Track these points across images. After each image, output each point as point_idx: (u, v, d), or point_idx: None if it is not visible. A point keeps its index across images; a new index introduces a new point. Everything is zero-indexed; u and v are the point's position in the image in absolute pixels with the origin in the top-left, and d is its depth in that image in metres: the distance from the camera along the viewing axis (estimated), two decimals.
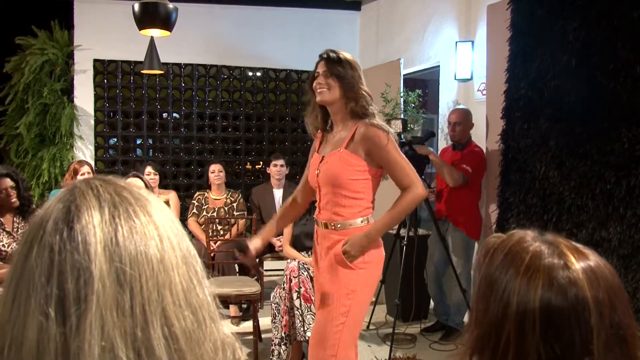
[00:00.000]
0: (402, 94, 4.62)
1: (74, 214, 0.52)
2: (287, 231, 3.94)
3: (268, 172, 4.86)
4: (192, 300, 0.54)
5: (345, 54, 2.23)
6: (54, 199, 0.56)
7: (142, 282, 0.50)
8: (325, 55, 2.22)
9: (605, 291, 0.77)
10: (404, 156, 2.21)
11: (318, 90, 2.21)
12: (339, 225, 2.19)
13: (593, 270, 0.78)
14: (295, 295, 3.27)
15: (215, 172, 4.64)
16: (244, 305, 4.48)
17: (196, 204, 4.67)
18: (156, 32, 3.71)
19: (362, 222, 2.18)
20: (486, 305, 0.82)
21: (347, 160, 2.17)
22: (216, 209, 4.61)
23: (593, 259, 0.80)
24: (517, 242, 0.83)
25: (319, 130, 2.36)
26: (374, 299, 4.11)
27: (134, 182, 3.27)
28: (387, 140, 2.15)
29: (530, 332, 0.76)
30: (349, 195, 2.17)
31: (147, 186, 3.34)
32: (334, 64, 2.19)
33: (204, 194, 4.70)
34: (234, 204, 4.66)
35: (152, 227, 0.54)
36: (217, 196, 4.67)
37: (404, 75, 4.85)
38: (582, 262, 0.79)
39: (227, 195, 4.69)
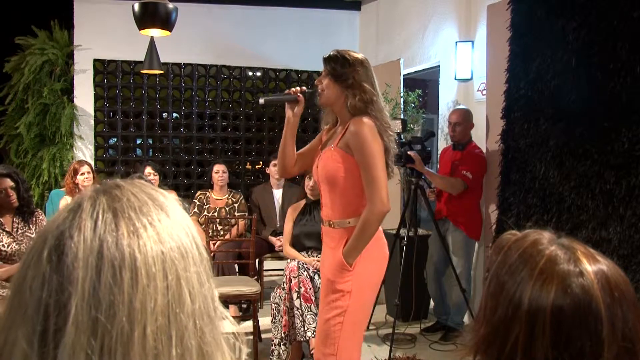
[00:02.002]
0: (402, 94, 4.62)
1: (66, 241, 0.52)
2: (287, 231, 3.94)
3: (267, 172, 4.86)
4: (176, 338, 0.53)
5: (349, 52, 2.18)
6: (62, 210, 0.57)
7: (117, 329, 0.50)
8: (324, 56, 2.21)
9: (618, 303, 0.75)
10: (381, 167, 2.10)
11: (318, 93, 2.21)
12: (337, 223, 2.18)
13: (608, 280, 0.76)
14: (295, 295, 3.27)
15: (220, 173, 4.63)
16: (244, 305, 4.48)
17: (197, 203, 4.67)
18: (156, 32, 3.72)
19: (357, 220, 2.15)
20: (495, 303, 0.80)
21: (337, 157, 2.14)
22: (217, 209, 4.61)
23: (608, 267, 0.78)
24: (532, 244, 0.81)
25: (328, 125, 2.33)
26: None
27: None
28: (368, 143, 2.07)
29: (539, 337, 0.74)
30: (344, 192, 2.15)
31: None
32: (329, 62, 2.17)
33: (206, 194, 4.69)
34: (236, 205, 4.66)
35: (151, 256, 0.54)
36: (219, 196, 4.67)
37: (404, 75, 4.85)
38: (597, 270, 0.77)
39: (229, 195, 4.69)
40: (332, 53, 2.19)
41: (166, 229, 0.56)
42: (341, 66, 2.14)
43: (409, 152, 3.68)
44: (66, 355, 0.49)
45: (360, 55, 2.20)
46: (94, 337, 0.50)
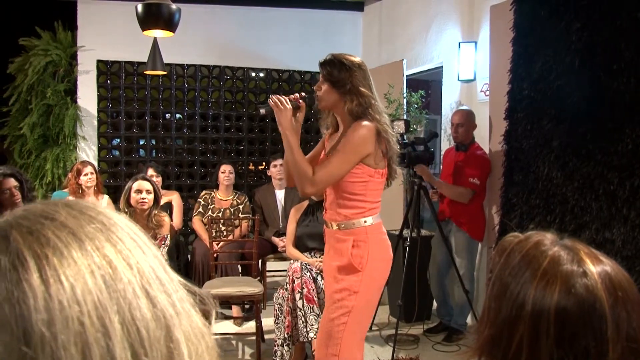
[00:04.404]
0: (405, 95, 4.62)
1: None
2: (290, 232, 3.94)
3: (269, 174, 4.86)
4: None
5: (345, 56, 2.18)
6: None
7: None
8: (320, 61, 2.20)
9: (622, 303, 0.75)
10: (346, 162, 2.10)
11: (317, 98, 2.21)
12: (342, 225, 2.19)
13: (611, 280, 0.76)
14: (298, 296, 3.27)
15: (226, 173, 4.63)
16: (247, 306, 4.48)
17: (202, 202, 4.67)
18: (159, 33, 3.72)
19: (365, 222, 2.17)
20: (499, 305, 0.80)
21: None
22: (222, 209, 4.61)
23: (612, 267, 0.78)
24: (534, 245, 0.81)
25: (329, 130, 2.34)
26: None
27: (143, 185, 3.29)
28: (357, 138, 2.08)
29: (544, 337, 0.74)
30: (349, 196, 2.17)
31: (155, 189, 3.34)
32: (324, 66, 2.17)
33: (211, 194, 4.69)
34: (240, 206, 4.66)
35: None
36: (224, 197, 4.67)
37: (406, 75, 4.85)
38: (601, 270, 0.77)
39: (234, 196, 4.69)
40: (328, 57, 2.18)
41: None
42: (338, 71, 2.14)
43: (415, 168, 3.69)
44: None
45: (356, 59, 2.19)
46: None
